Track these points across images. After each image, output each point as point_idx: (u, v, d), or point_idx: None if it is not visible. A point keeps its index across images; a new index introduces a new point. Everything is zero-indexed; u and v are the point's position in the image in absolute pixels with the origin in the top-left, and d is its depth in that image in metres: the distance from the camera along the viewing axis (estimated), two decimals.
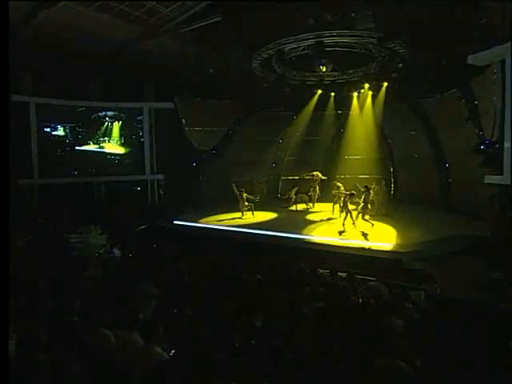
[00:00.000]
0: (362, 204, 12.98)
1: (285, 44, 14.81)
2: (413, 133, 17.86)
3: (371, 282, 8.14)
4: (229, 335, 4.78)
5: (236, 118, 20.14)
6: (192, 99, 18.51)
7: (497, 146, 12.85)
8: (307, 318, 6.00)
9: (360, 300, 7.29)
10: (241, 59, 16.79)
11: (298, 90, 19.23)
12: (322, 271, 9.13)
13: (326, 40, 14.29)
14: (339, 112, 19.91)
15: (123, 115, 18.09)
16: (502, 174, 12.56)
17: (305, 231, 13.03)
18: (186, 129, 18.61)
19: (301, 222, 14.68)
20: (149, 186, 18.47)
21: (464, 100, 14.87)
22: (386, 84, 17.09)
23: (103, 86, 17.17)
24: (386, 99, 17.11)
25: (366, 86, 17.57)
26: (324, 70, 16.39)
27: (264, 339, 4.67)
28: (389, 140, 18.86)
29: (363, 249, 10.95)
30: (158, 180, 18.68)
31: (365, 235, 12.13)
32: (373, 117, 17.85)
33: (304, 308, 6.47)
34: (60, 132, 17.56)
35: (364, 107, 18.40)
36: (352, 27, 13.62)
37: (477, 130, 14.04)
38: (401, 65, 15.42)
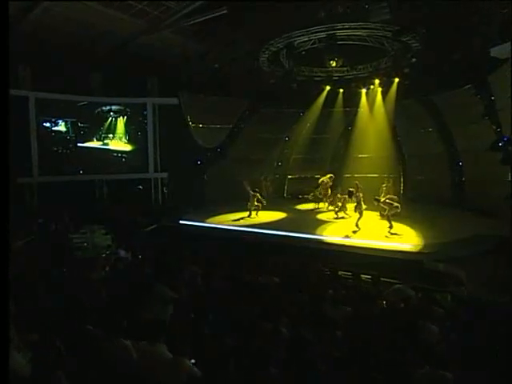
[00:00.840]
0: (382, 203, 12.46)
1: (295, 37, 14.29)
2: (422, 131, 17.37)
3: (397, 285, 7.64)
4: (254, 343, 4.30)
5: (241, 115, 19.57)
6: (196, 95, 17.94)
7: None
8: (336, 324, 5.53)
9: (387, 304, 6.84)
10: (248, 54, 16.28)
11: (305, 87, 18.69)
12: (342, 273, 8.66)
13: (338, 33, 13.78)
14: (348, 109, 19.36)
15: (129, 110, 17.42)
16: None
17: (318, 231, 12.51)
18: (191, 126, 18.05)
19: (312, 221, 14.17)
20: (152, 184, 17.88)
21: (479, 96, 14.40)
22: (397, 80, 16.57)
23: (105, 80, 16.53)
24: (397, 95, 16.56)
25: (377, 81, 17.05)
26: (334, 64, 15.90)
27: (292, 347, 4.25)
28: (398, 138, 18.32)
29: (382, 249, 10.43)
30: (161, 178, 18.10)
31: (386, 235, 11.60)
32: (384, 114, 17.31)
33: (330, 313, 6.02)
34: (61, 127, 16.75)
35: (374, 104, 17.88)
36: (366, 19, 13.12)
37: (494, 127, 13.58)
38: (414, 59, 14.90)
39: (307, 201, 18.97)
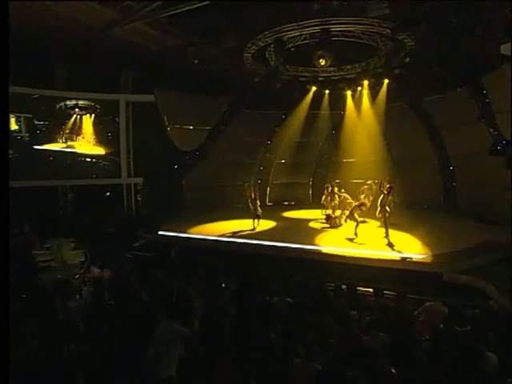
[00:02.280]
0: (380, 208, 11.57)
1: (286, 31, 13.24)
2: (412, 134, 16.82)
3: (428, 303, 6.65)
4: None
5: (221, 115, 18.28)
6: (174, 93, 16.47)
7: None
8: (374, 354, 4.44)
9: (424, 326, 5.86)
10: (231, 49, 15.03)
11: (288, 87, 17.75)
12: (361, 289, 7.65)
13: (331, 28, 12.88)
14: (334, 111, 18.54)
15: (98, 107, 15.51)
16: None
17: (318, 241, 11.41)
18: (168, 126, 16.54)
19: (307, 230, 13.08)
20: (125, 190, 16.14)
21: (474, 99, 13.98)
22: (386, 81, 15.94)
23: (71, 72, 14.64)
24: (387, 97, 15.91)
25: (365, 83, 16.32)
26: (323, 63, 14.98)
27: None
28: (387, 141, 17.70)
29: (393, 261, 9.48)
30: (135, 184, 16.39)
31: (390, 245, 10.68)
32: (373, 117, 16.60)
33: (364, 340, 4.97)
34: (11, 125, 13.98)
35: (362, 106, 17.16)
36: (362, 14, 12.30)
37: (491, 130, 13.14)
38: (408, 59, 14.27)
39: (292, 208, 18.00)
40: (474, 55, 13.07)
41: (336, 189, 14.63)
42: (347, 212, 12.77)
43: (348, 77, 16.89)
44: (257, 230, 13.31)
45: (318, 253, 10.19)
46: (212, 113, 17.84)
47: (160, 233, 13.16)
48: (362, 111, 17.21)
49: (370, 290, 7.89)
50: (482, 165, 13.68)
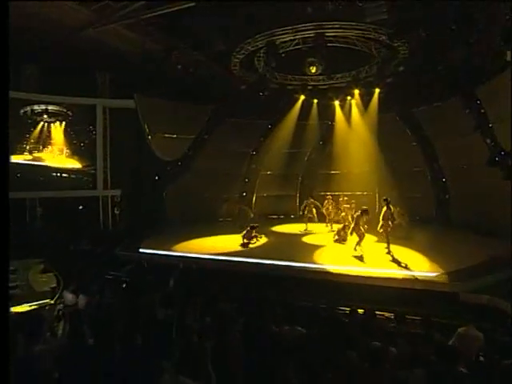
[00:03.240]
0: (382, 222, 10.86)
1: (279, 35, 12.54)
2: (405, 145, 16.41)
3: (460, 329, 5.85)
4: None
5: (205, 124, 17.32)
6: (155, 100, 15.40)
7: None
8: None
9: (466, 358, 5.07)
10: (218, 54, 14.18)
11: (276, 96, 17.06)
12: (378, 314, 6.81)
13: (326, 32, 12.29)
14: (323, 122, 17.97)
15: (70, 113, 14.12)
16: None
17: (318, 259, 10.51)
18: (148, 134, 15.40)
19: (303, 246, 12.19)
20: (101, 203, 14.78)
21: (468, 109, 13.67)
22: (378, 90, 15.49)
23: (41, 73, 13.30)
24: (379, 107, 15.44)
25: (356, 92, 15.83)
26: (313, 70, 14.37)
27: None
28: (378, 153, 17.15)
29: (405, 280, 8.70)
30: (112, 196, 15.07)
31: (397, 262, 9.92)
32: (364, 127, 16.08)
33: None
34: None
35: (352, 116, 16.64)
36: (359, 19, 11.76)
37: (488, 141, 12.80)
38: (402, 68, 13.86)
39: (280, 221, 17.13)
40: (468, 64, 12.79)
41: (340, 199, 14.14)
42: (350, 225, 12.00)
43: (338, 86, 16.41)
44: (249, 246, 12.31)
45: (325, 272, 9.28)
46: (195, 121, 16.88)
47: (142, 250, 11.93)
48: (353, 121, 16.71)
49: (387, 314, 7.11)
50: (478, 176, 13.33)
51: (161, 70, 14.91)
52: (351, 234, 11.08)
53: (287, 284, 8.63)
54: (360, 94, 15.93)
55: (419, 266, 9.48)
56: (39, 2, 10.51)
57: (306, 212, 15.21)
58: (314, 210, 15.21)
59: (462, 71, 13.23)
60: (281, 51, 13.51)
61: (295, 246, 12.18)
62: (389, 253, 10.79)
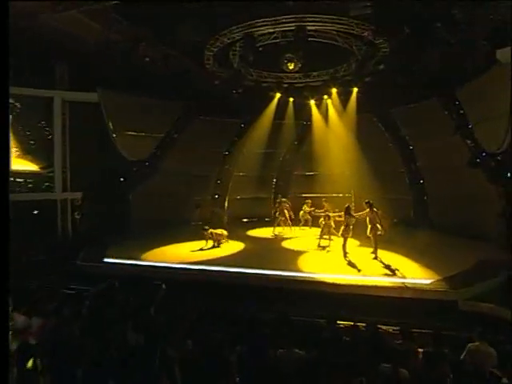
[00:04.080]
0: (370, 226, 10.31)
1: (258, 26, 11.74)
2: (383, 146, 16.12)
3: (470, 345, 5.32)
4: None
5: (175, 122, 16.20)
6: (121, 94, 14.13)
7: (499, 157, 11.53)
8: None
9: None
10: (190, 46, 13.17)
11: (250, 93, 16.26)
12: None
13: (307, 25, 11.63)
14: (300, 121, 17.37)
15: (19, 105, 12.36)
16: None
17: (304, 266, 9.75)
18: (113, 132, 14.09)
19: (284, 252, 11.42)
20: (59, 208, 13.27)
21: (447, 110, 13.50)
22: (356, 90, 15.08)
23: None
24: (357, 106, 15.03)
25: (334, 91, 15.33)
26: (291, 67, 13.72)
27: None
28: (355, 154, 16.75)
29: (398, 288, 8.14)
30: (72, 200, 13.60)
31: (389, 269, 9.37)
32: (342, 127, 15.62)
33: None
34: None
35: (329, 116, 16.15)
36: (343, 13, 11.20)
37: (469, 142, 12.64)
38: (382, 66, 13.48)
39: (255, 225, 16.33)
40: (449, 64, 12.60)
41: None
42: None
43: (314, 84, 15.86)
44: (225, 253, 11.40)
45: (315, 282, 8.53)
46: (164, 119, 15.69)
47: (107, 260, 10.70)
48: (330, 121, 16.19)
49: (388, 327, 6.52)
50: (457, 178, 13.18)
51: (127, 62, 13.74)
52: (343, 235, 10.43)
53: (275, 296, 7.81)
54: (337, 93, 15.46)
55: (412, 273, 8.99)
56: None
57: (277, 214, 14.57)
58: (286, 211, 14.57)
59: (442, 71, 13.05)
60: (259, 45, 12.74)
61: (276, 253, 11.42)
62: (376, 258, 10.29)
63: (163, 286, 5.50)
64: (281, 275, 8.90)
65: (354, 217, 10.44)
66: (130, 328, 5.17)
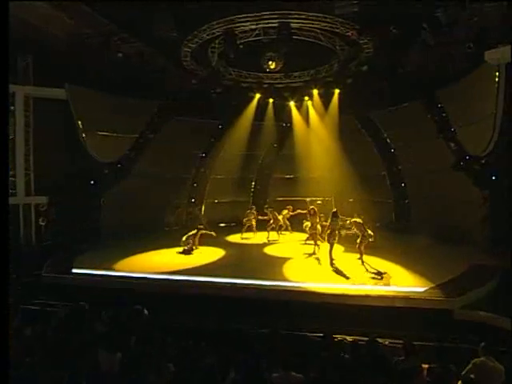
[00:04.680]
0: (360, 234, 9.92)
1: (240, 22, 11.17)
2: (363, 148, 15.88)
3: (476, 360, 4.92)
4: None
5: (150, 122, 15.35)
6: (91, 92, 13.20)
7: (483, 161, 11.44)
8: None
9: None
10: (167, 41, 12.41)
11: (229, 93, 15.68)
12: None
13: (291, 22, 11.17)
14: (278, 123, 16.91)
15: None
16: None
17: (292, 275, 9.17)
18: (82, 132, 13.13)
19: (267, 260, 10.84)
20: (21, 213, 12.12)
21: (430, 113, 13.38)
22: (337, 91, 14.78)
23: None
24: (339, 108, 14.73)
25: (315, 92, 14.98)
26: (272, 66, 13.26)
27: None
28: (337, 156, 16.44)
29: (387, 297, 7.72)
30: (37, 205, 12.48)
31: (378, 276, 8.96)
32: (324, 130, 15.28)
33: None
34: None
35: (310, 118, 15.78)
36: (328, 11, 10.81)
37: (452, 145, 12.53)
38: (365, 67, 13.21)
39: (234, 230, 15.67)
40: (432, 66, 12.50)
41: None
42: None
43: (295, 85, 15.46)
44: (205, 261, 10.71)
45: (302, 292, 7.96)
46: (139, 118, 14.82)
47: (75, 271, 9.78)
48: (311, 123, 15.82)
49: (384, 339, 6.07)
50: (439, 181, 13.06)
51: (99, 58, 12.85)
52: (329, 241, 9.98)
53: (266, 309, 7.23)
54: (319, 95, 15.11)
55: (403, 280, 8.62)
56: None
57: (245, 220, 14.19)
58: (254, 221, 14.16)
59: (425, 73, 12.94)
60: (239, 42, 12.15)
61: (260, 260, 10.85)
62: (363, 264, 9.89)
63: (145, 311, 4.77)
64: (267, 285, 8.31)
65: (343, 221, 10.04)
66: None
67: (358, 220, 10.25)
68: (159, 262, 10.68)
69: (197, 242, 11.80)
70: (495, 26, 10.36)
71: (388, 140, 15.29)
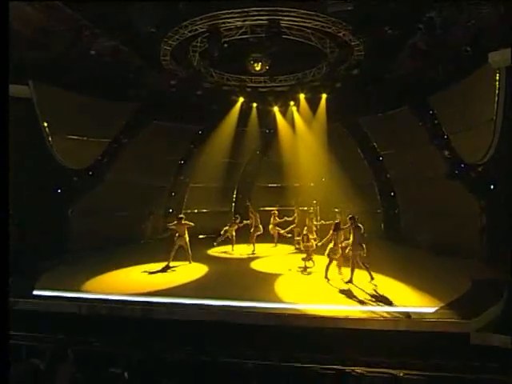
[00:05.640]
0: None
1: (225, 18, 10.30)
2: (351, 156, 15.27)
3: None
4: None
5: (124, 126, 14.19)
6: (59, 91, 11.95)
7: (480, 169, 10.97)
8: None
9: None
10: (145, 38, 11.38)
11: (210, 97, 14.76)
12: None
13: (281, 20, 10.40)
14: (262, 129, 16.10)
15: None
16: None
17: (287, 295, 8.20)
18: (48, 135, 11.85)
19: (256, 277, 9.85)
20: None
21: (421, 121, 12.90)
22: (325, 96, 14.14)
23: None
24: (327, 114, 14.07)
25: (302, 96, 14.28)
26: (258, 68, 12.53)
27: None
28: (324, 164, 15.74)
29: (402, 320, 6.92)
30: None
31: (378, 294, 8.16)
32: (309, 135, 14.58)
33: None
34: None
35: (295, 123, 15.06)
36: (321, 9, 10.12)
37: (446, 153, 12.05)
38: (356, 71, 12.60)
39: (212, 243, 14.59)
40: (425, 71, 12.04)
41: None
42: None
43: (280, 89, 14.72)
44: (186, 279, 9.61)
45: (299, 316, 7.01)
46: (112, 122, 13.63)
47: (36, 293, 8.50)
48: (296, 130, 15.09)
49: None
50: (430, 190, 12.55)
51: (68, 55, 11.65)
52: (329, 256, 9.17)
53: (264, 337, 6.27)
54: (305, 99, 14.43)
55: (407, 299, 7.84)
56: None
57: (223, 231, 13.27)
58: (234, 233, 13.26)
59: (418, 78, 12.48)
60: (224, 40, 11.27)
61: (248, 277, 9.83)
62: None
63: (125, 374, 3.71)
64: (259, 307, 7.34)
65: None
66: None
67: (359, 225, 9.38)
68: (131, 281, 9.55)
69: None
70: (493, 28, 10.00)
71: (376, 147, 14.69)
